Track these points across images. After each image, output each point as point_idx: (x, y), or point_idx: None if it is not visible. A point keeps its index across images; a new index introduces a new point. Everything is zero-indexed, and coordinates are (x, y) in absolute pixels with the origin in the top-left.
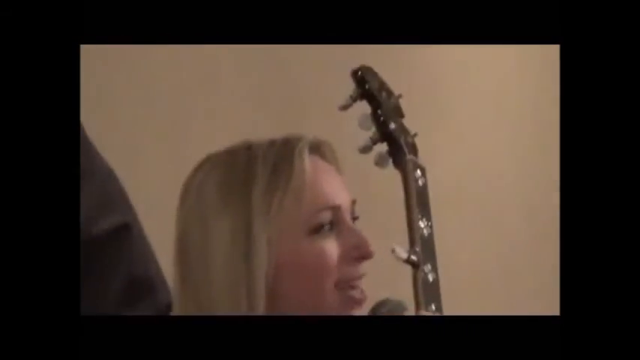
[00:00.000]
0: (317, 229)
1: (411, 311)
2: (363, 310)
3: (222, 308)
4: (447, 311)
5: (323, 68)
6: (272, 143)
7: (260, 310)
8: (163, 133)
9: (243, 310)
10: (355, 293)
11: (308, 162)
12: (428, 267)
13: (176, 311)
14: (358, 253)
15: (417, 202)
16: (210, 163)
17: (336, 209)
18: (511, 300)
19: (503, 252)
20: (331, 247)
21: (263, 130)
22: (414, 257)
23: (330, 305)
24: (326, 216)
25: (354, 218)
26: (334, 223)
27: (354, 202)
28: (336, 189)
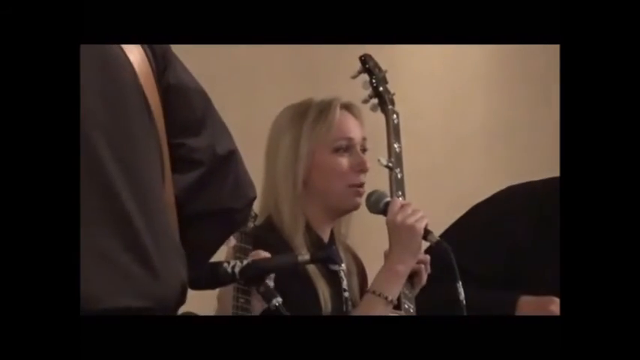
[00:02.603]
0: (337, 150)
1: (388, 197)
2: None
3: (281, 184)
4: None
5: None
6: (322, 100)
7: (299, 184)
8: None
9: (290, 184)
10: (360, 191)
11: (338, 111)
12: (398, 170)
13: (264, 191)
14: (360, 167)
15: (393, 133)
16: (289, 107)
17: (350, 140)
18: None
19: None
20: (343, 162)
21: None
22: (390, 164)
23: (341, 194)
24: (343, 142)
25: (364, 150)
26: (348, 148)
27: (364, 139)
28: (352, 129)
